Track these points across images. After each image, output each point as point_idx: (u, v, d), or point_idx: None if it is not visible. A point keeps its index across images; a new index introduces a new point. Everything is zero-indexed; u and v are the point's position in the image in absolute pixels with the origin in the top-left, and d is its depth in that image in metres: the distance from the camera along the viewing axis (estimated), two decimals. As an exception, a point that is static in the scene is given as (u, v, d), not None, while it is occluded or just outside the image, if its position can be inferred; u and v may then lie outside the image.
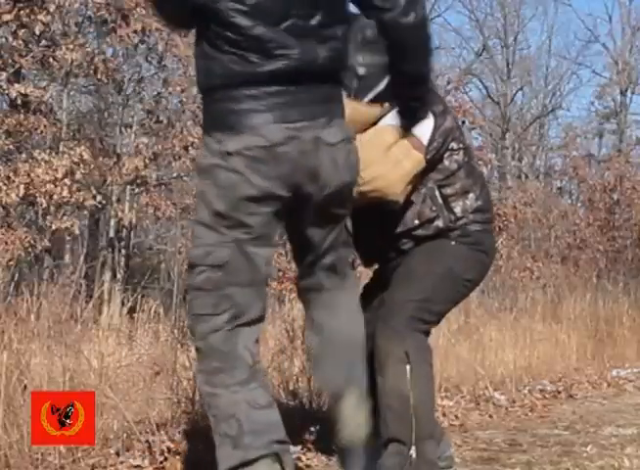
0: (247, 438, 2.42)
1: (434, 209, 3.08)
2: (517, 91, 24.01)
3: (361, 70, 3.00)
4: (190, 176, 15.56)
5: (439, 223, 3.08)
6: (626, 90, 22.30)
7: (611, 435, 4.37)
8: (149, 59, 14.87)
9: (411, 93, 2.85)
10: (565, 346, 7.65)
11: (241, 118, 2.40)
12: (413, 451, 2.91)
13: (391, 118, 3.01)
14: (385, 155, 2.93)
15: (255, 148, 2.38)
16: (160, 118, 14.59)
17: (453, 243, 3.09)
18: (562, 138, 22.24)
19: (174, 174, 15.75)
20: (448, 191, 3.10)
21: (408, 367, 2.92)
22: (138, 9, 13.49)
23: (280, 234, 2.74)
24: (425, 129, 3.02)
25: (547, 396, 5.97)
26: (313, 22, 2.44)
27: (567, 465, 3.59)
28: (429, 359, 3.02)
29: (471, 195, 3.13)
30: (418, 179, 3.04)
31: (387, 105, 3.00)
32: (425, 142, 3.02)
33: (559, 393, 6.13)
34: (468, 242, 3.10)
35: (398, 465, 2.90)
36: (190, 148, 14.20)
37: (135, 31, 13.59)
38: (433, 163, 3.08)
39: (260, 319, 2.50)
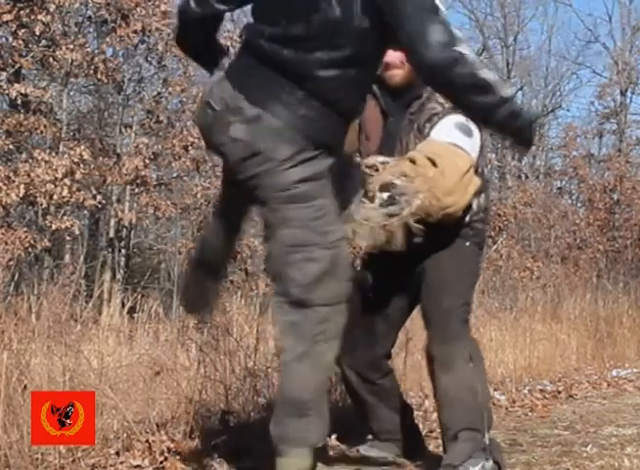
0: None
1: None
2: (517, 91, 23.99)
3: None
4: (190, 176, 15.57)
5: (466, 218, 3.34)
6: (626, 90, 22.28)
7: (611, 435, 4.37)
8: (149, 59, 14.88)
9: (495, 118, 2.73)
10: (565, 346, 7.65)
11: None
12: (487, 438, 3.26)
13: (449, 134, 3.21)
14: (460, 184, 3.17)
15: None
16: (160, 118, 14.58)
17: (468, 244, 3.38)
18: (562, 138, 22.20)
19: (174, 174, 15.75)
20: None
21: (471, 365, 3.28)
22: (138, 9, 13.50)
23: None
24: (476, 150, 3.29)
25: (547, 396, 5.97)
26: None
27: (567, 465, 3.59)
28: (482, 357, 3.42)
29: (482, 195, 3.38)
30: None
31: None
32: (475, 162, 3.29)
33: (559, 393, 6.13)
34: (477, 241, 3.42)
35: (472, 449, 3.21)
36: (190, 148, 14.20)
37: (135, 31, 13.60)
38: None
39: None
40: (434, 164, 3.11)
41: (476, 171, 3.30)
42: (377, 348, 3.50)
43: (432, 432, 4.13)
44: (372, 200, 3.08)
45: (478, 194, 3.34)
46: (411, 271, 3.38)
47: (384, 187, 3.10)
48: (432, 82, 2.69)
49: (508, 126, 2.70)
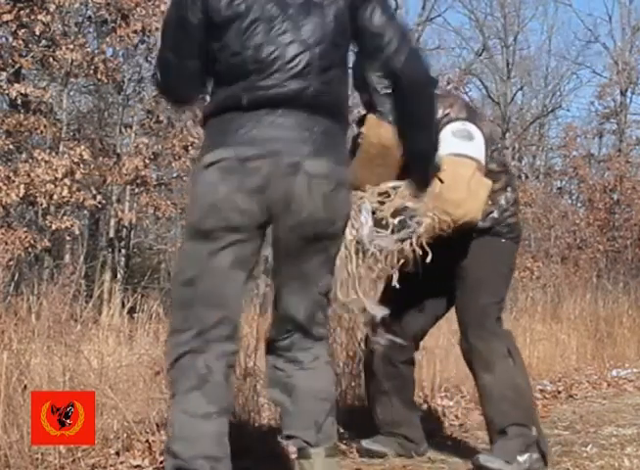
0: (175, 445, 2.42)
1: (489, 203, 3.37)
2: (517, 91, 24.00)
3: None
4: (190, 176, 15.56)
5: (495, 214, 3.41)
6: (626, 90, 22.27)
7: (611, 435, 4.37)
8: (149, 59, 14.86)
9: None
10: (565, 346, 7.65)
11: (218, 137, 2.48)
12: (535, 431, 3.34)
13: (450, 145, 3.22)
14: (468, 192, 3.21)
15: (228, 159, 2.44)
16: (160, 118, 14.58)
17: (504, 240, 3.46)
18: (562, 138, 22.20)
19: (174, 174, 15.75)
20: (496, 187, 3.39)
21: (511, 361, 3.36)
22: (138, 9, 13.50)
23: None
24: (481, 150, 3.33)
25: (547, 396, 5.97)
26: (309, 57, 2.49)
27: (567, 465, 3.58)
28: (519, 350, 3.47)
29: (509, 188, 3.48)
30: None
31: None
32: (483, 162, 3.32)
33: (559, 393, 6.13)
34: (512, 236, 3.49)
35: (524, 444, 3.29)
36: (190, 148, 14.20)
37: (135, 31, 13.60)
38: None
39: (229, 339, 2.50)
40: (439, 180, 3.13)
41: (488, 171, 3.34)
42: (406, 330, 3.55)
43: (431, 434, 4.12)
44: (385, 227, 3.13)
45: (504, 189, 3.42)
46: (449, 269, 3.42)
47: (396, 212, 3.15)
48: (409, 89, 2.61)
49: (429, 161, 2.78)
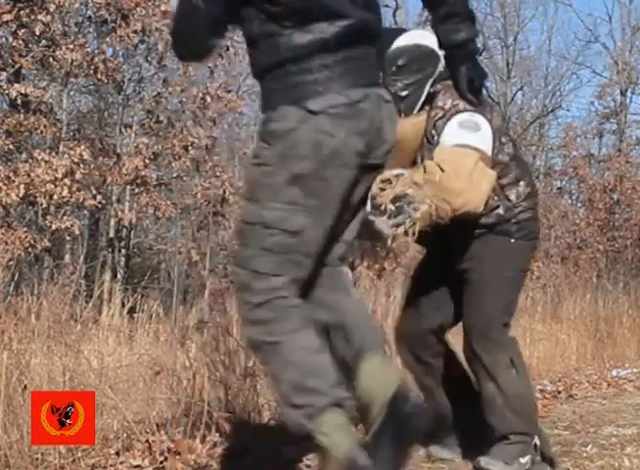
0: (310, 381, 2.42)
1: (495, 198, 3.31)
2: (517, 91, 24.02)
3: (403, 93, 3.32)
4: (190, 176, 15.57)
5: (500, 211, 3.33)
6: (626, 90, 22.27)
7: (611, 435, 4.37)
8: (149, 59, 14.88)
9: (467, 55, 2.70)
10: (565, 346, 7.65)
11: (320, 86, 2.46)
12: (537, 440, 3.34)
13: (455, 135, 3.23)
14: (469, 182, 3.16)
15: (340, 105, 2.44)
16: (160, 118, 14.59)
17: (513, 240, 3.36)
18: (562, 138, 22.21)
19: (174, 174, 15.75)
20: (504, 181, 3.33)
21: (514, 371, 3.34)
22: (138, 9, 13.51)
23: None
24: (487, 142, 3.28)
25: (547, 396, 5.96)
26: None
27: (567, 465, 3.58)
28: (522, 359, 3.43)
29: (522, 183, 3.39)
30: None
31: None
32: (490, 154, 3.27)
33: (559, 393, 6.12)
34: (524, 235, 3.38)
35: (523, 451, 3.29)
36: (190, 148, 14.21)
37: (135, 31, 13.61)
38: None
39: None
40: (440, 168, 3.13)
41: (497, 163, 3.30)
42: (423, 322, 3.50)
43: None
44: (383, 213, 3.13)
45: (515, 183, 3.36)
46: (454, 269, 3.39)
47: (396, 199, 3.17)
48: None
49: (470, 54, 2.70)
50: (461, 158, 3.20)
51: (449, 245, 3.35)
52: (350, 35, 2.47)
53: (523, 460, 3.29)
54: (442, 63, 3.23)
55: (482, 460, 3.32)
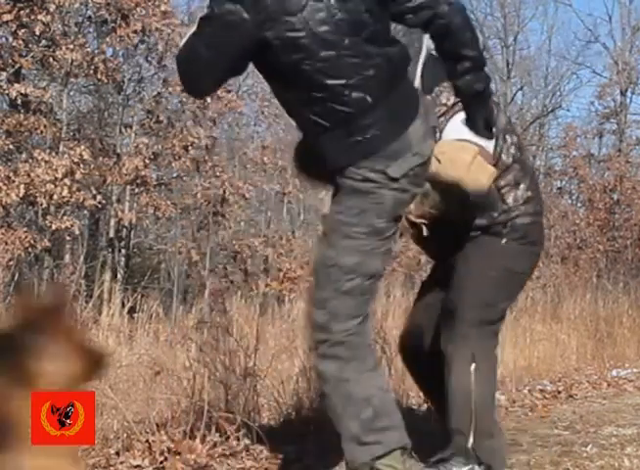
0: (381, 421, 2.57)
1: (490, 200, 3.25)
2: (517, 91, 24.00)
3: None
4: (190, 176, 15.58)
5: (494, 213, 3.27)
6: (626, 90, 22.27)
7: (611, 435, 4.37)
8: (149, 59, 14.89)
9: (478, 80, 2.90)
10: (565, 346, 7.65)
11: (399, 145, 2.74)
12: (470, 443, 3.18)
13: (457, 131, 3.20)
14: (466, 172, 3.13)
15: (416, 167, 2.73)
16: (160, 118, 14.60)
17: (504, 241, 3.27)
18: (562, 138, 22.20)
19: (174, 174, 15.76)
20: (501, 183, 3.27)
21: (473, 367, 3.20)
22: (138, 9, 13.52)
23: None
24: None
25: (547, 396, 5.96)
26: None
27: (567, 465, 3.58)
28: (493, 361, 3.30)
29: (522, 186, 3.31)
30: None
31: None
32: (491, 151, 3.23)
33: (559, 393, 6.12)
34: (516, 237, 3.29)
35: (454, 449, 3.18)
36: (190, 148, 14.21)
37: (135, 31, 13.62)
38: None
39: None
40: (437, 159, 3.11)
41: (497, 162, 3.26)
42: (425, 325, 3.45)
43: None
44: None
45: (514, 186, 3.29)
46: (447, 264, 3.37)
47: None
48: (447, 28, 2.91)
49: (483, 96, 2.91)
50: (459, 151, 3.17)
51: (446, 249, 3.32)
52: None
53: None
54: (427, 37, 3.23)
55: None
